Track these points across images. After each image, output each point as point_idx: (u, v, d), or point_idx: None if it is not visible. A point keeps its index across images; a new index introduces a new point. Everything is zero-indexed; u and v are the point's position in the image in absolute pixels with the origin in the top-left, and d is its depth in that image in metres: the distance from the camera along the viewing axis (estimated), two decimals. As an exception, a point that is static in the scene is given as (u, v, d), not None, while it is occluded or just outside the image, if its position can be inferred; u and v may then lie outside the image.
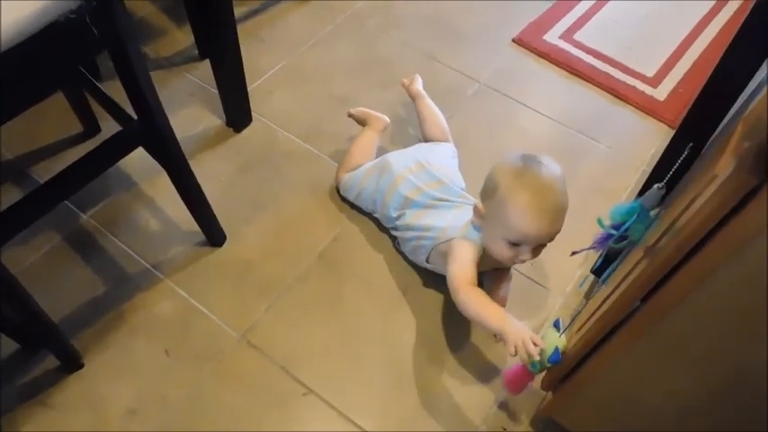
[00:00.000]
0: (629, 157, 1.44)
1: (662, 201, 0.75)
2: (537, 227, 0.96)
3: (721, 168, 0.59)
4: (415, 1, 1.75)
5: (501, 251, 1.01)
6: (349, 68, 1.57)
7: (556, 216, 0.97)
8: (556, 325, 0.90)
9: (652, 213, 0.75)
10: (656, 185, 0.72)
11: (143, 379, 1.05)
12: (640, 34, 1.72)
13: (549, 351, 0.86)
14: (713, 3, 1.83)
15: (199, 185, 1.11)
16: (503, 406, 1.06)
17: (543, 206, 0.95)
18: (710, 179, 0.61)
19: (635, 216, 0.72)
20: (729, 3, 1.82)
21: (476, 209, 1.04)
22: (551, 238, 1.00)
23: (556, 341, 0.87)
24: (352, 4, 1.73)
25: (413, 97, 1.40)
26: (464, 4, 1.76)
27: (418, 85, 1.40)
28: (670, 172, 0.80)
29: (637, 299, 0.70)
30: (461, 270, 1.03)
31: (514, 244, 0.99)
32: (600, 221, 0.76)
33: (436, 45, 1.64)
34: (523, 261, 1.03)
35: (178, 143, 1.03)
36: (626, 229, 0.73)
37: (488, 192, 1.02)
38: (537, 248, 1.01)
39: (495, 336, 1.06)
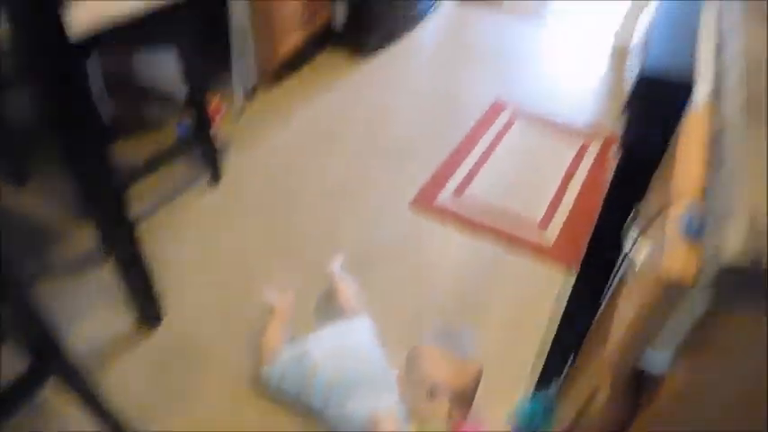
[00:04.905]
0: (530, 311, 1.49)
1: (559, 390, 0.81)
2: (444, 374, 1.05)
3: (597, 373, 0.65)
4: (315, 177, 1.86)
5: (422, 405, 1.06)
6: (261, 248, 1.61)
7: (462, 369, 1.06)
8: None
9: (553, 400, 0.80)
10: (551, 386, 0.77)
11: None
12: (525, 181, 1.90)
13: None
14: (580, 144, 2.06)
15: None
16: None
17: (448, 356, 1.07)
18: (593, 390, 0.67)
19: (540, 416, 0.77)
20: (590, 148, 2.06)
21: (398, 377, 1.12)
22: (465, 396, 1.05)
23: None
24: (260, 190, 1.80)
25: (329, 275, 1.46)
26: (361, 174, 1.89)
27: (335, 266, 1.48)
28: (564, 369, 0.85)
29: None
30: None
31: (431, 395, 1.05)
32: (509, 421, 0.80)
33: (340, 218, 1.72)
34: (449, 416, 1.05)
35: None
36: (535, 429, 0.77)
37: (406, 360, 1.13)
38: (457, 406, 1.05)
39: None
